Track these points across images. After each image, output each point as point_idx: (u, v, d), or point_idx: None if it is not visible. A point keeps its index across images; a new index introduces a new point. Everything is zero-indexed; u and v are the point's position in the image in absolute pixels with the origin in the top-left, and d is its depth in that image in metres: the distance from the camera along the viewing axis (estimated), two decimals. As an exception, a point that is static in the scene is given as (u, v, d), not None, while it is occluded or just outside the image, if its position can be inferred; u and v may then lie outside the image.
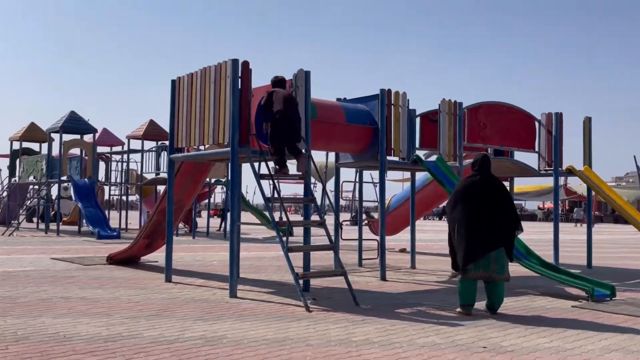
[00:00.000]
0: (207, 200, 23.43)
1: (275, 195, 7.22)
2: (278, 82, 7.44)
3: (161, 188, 21.43)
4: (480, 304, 6.42)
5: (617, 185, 49.26)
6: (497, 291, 6.14)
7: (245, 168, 8.97)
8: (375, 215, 21.94)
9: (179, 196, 9.34)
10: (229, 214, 9.17)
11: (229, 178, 9.49)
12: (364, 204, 13.99)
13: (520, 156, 11.95)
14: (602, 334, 5.37)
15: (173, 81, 8.51)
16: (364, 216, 17.07)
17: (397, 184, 48.13)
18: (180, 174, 9.42)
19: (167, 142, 13.83)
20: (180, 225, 22.19)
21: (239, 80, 7.37)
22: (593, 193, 11.88)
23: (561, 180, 40.01)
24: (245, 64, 7.46)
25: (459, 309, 6.14)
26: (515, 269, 9.80)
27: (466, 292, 6.07)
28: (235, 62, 7.35)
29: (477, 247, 5.90)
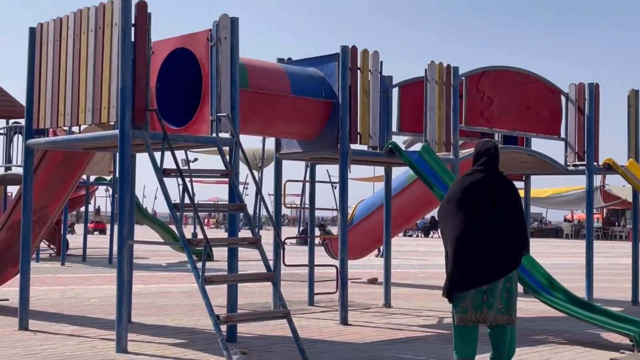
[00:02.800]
0: (83, 208, 23.06)
1: (187, 200, 7.15)
2: None
3: (14, 190, 20.97)
4: (484, 356, 6.49)
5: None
6: (506, 339, 6.23)
7: (142, 159, 8.86)
8: (334, 230, 21.92)
9: (40, 202, 9.23)
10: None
11: (117, 175, 9.34)
12: (317, 213, 13.99)
13: (540, 145, 12.16)
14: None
15: (32, 29, 8.42)
16: (316, 231, 17.12)
17: (367, 185, 48.76)
18: (44, 169, 9.32)
19: (22, 122, 13.53)
20: (43, 245, 21.81)
21: (133, 29, 7.32)
22: (641, 198, 12.16)
23: (597, 179, 41.11)
24: (142, 5, 7.41)
25: (454, 367, 6.20)
26: (533, 306, 10.01)
27: (463, 341, 6.12)
28: (126, 1, 7.28)
29: (472, 273, 5.98)
